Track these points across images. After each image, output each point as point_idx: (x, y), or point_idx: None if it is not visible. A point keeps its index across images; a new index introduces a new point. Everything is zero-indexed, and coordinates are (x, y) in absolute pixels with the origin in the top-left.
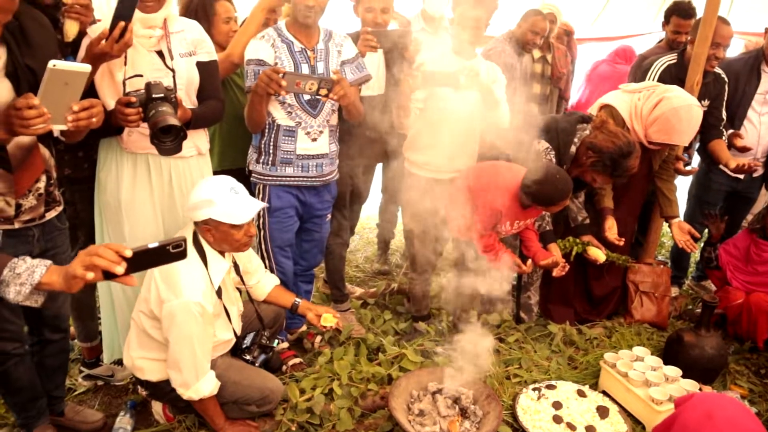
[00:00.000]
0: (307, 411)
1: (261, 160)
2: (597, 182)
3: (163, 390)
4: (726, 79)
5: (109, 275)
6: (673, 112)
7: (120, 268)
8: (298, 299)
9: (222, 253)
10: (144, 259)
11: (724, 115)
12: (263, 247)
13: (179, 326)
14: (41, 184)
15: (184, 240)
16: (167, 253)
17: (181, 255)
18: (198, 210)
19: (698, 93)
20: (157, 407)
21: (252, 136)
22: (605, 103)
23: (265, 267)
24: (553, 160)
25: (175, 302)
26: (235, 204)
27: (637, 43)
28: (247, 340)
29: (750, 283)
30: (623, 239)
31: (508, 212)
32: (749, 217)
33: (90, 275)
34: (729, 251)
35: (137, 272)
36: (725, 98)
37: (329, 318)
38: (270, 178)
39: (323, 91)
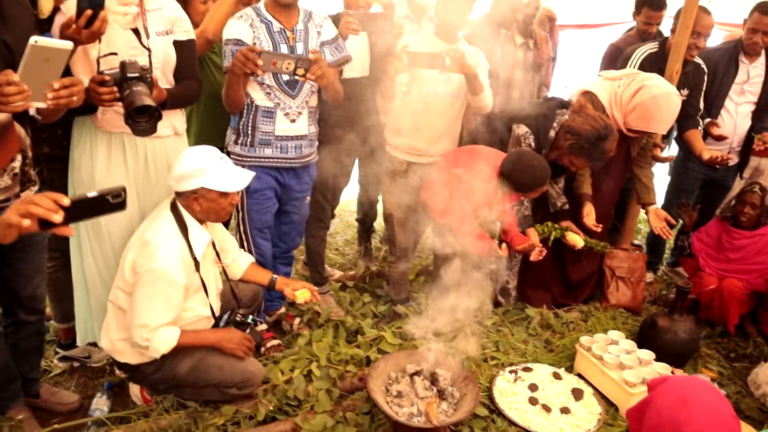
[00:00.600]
0: (286, 392)
1: (239, 141)
2: (575, 166)
3: (142, 373)
4: (705, 69)
5: (46, 225)
6: (653, 100)
7: (58, 217)
8: (274, 276)
9: (201, 224)
10: (83, 209)
11: (701, 105)
12: (241, 228)
13: (145, 288)
14: (17, 164)
15: (124, 190)
16: (106, 203)
17: (121, 206)
18: (188, 179)
19: (679, 82)
20: (134, 389)
21: (230, 117)
22: (586, 89)
23: (244, 249)
24: (533, 144)
25: (146, 267)
26: (226, 172)
27: (619, 32)
28: (222, 321)
29: (722, 270)
30: (601, 225)
31: (486, 197)
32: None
33: (26, 222)
34: (702, 239)
35: (75, 222)
36: (704, 88)
37: (304, 293)
38: (249, 159)
39: (300, 71)
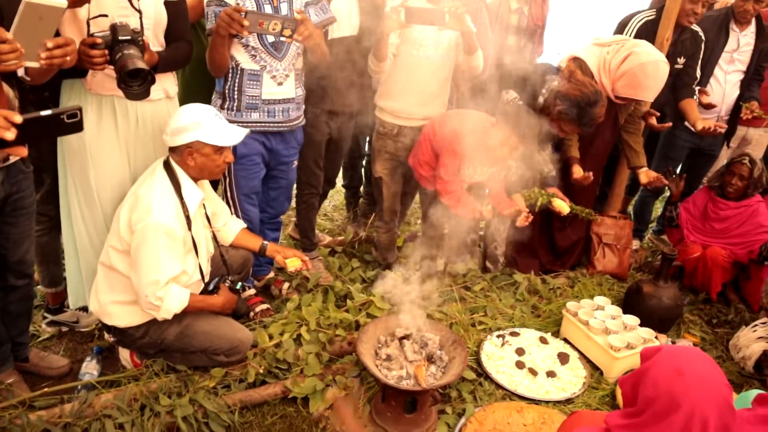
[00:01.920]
0: (276, 356)
1: (226, 106)
2: (564, 131)
3: (131, 337)
4: (703, 38)
5: None
6: (641, 67)
7: (10, 134)
8: (265, 242)
9: (195, 182)
10: (36, 128)
11: (698, 73)
12: (228, 194)
13: (147, 244)
14: None
15: (79, 109)
16: (61, 123)
17: (76, 126)
18: (184, 133)
19: (675, 50)
20: (124, 353)
21: (215, 80)
22: (575, 55)
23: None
24: None
25: (143, 224)
26: (221, 127)
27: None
28: (211, 285)
29: (705, 242)
30: (590, 173)
31: (474, 160)
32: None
33: None
34: (689, 209)
35: (29, 143)
36: (701, 56)
37: (295, 262)
38: (236, 124)
39: (287, 32)
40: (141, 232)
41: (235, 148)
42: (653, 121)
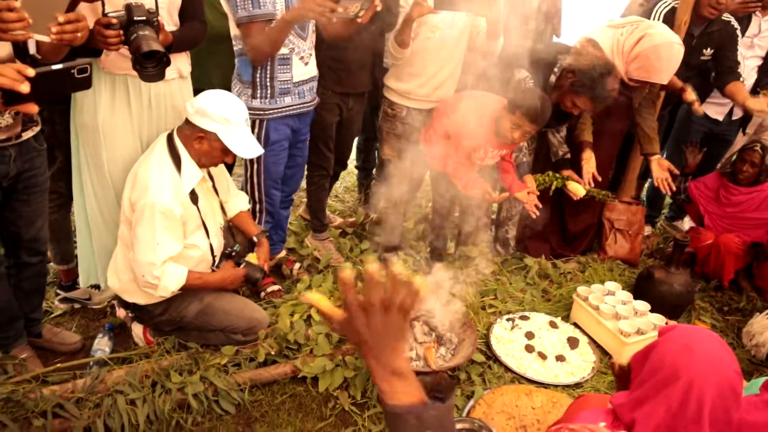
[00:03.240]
0: (286, 336)
1: (258, 95)
2: (577, 107)
3: (150, 314)
4: (736, 26)
5: (11, 98)
6: (654, 49)
7: (25, 87)
8: (255, 238)
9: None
10: (47, 83)
11: (740, 58)
12: (255, 180)
13: (144, 223)
14: None
15: (90, 65)
16: (71, 78)
17: (86, 82)
18: (208, 120)
19: (701, 41)
20: (137, 330)
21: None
22: (588, 37)
23: (254, 199)
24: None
25: (141, 202)
26: (245, 136)
27: None
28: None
29: (722, 218)
30: (600, 178)
31: (485, 141)
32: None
33: None
34: (699, 188)
35: (40, 100)
36: (737, 43)
37: (252, 257)
38: (270, 111)
39: (361, 13)
40: (140, 210)
41: (268, 136)
42: (688, 95)
